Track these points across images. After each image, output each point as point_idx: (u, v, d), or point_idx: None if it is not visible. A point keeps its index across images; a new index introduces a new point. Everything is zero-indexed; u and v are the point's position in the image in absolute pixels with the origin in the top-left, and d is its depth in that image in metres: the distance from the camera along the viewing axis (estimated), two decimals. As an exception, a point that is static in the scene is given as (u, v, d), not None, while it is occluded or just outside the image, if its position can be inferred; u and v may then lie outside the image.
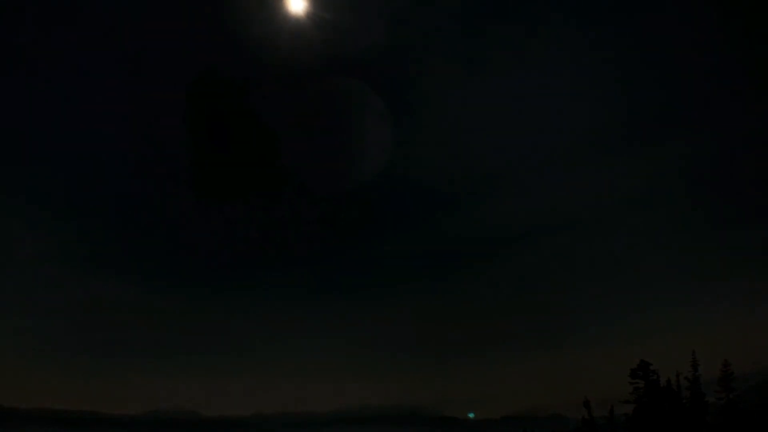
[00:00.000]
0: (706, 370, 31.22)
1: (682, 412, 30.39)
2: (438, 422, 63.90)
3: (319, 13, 39.23)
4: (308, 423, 69.66)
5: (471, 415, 55.33)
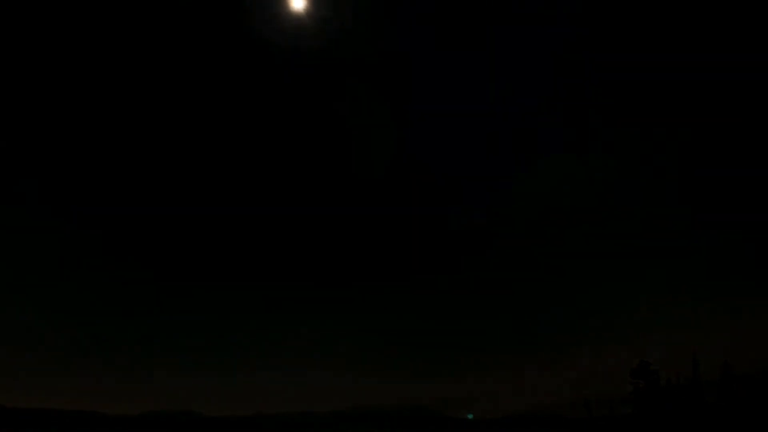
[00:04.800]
0: (706, 370, 31.22)
1: (682, 412, 30.40)
2: (438, 422, 63.92)
3: (320, 12, 39.15)
4: (308, 423, 69.71)
5: (470, 416, 55.26)
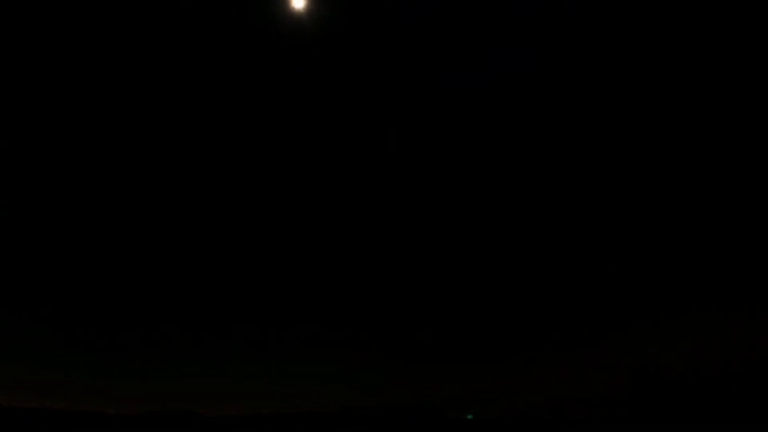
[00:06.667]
0: (706, 369, 31.23)
1: (683, 412, 30.41)
2: (438, 422, 63.93)
3: (320, 11, 39.04)
4: (308, 423, 69.65)
5: (470, 417, 55.25)
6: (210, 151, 58.71)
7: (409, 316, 60.42)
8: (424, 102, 52.61)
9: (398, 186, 57.51)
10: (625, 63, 46.81)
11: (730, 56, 42.47)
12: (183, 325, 60.81)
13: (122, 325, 60.52)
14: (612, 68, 47.24)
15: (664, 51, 44.76)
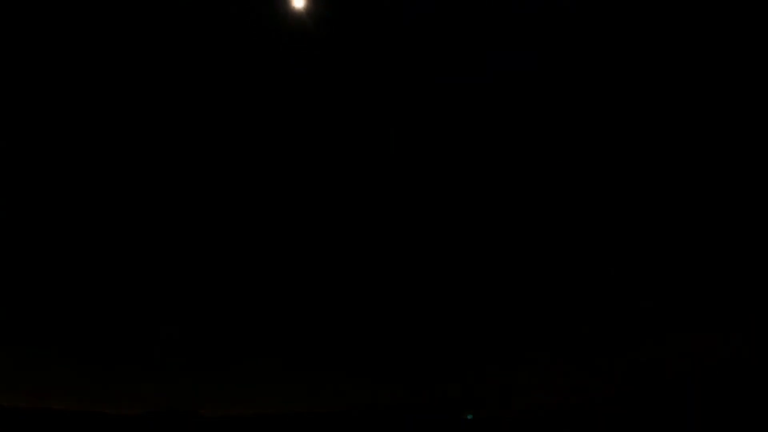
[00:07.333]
0: (705, 369, 31.34)
1: (682, 412, 30.48)
2: (438, 422, 63.83)
3: (320, 11, 38.99)
4: (308, 423, 69.48)
5: (470, 417, 55.37)
6: (210, 152, 58.81)
7: (409, 316, 60.44)
8: (424, 102, 52.74)
9: (398, 186, 57.60)
10: (626, 63, 46.88)
11: (732, 56, 42.53)
12: (183, 324, 60.83)
13: (122, 325, 60.58)
14: (613, 68, 47.33)
15: (666, 51, 44.85)
